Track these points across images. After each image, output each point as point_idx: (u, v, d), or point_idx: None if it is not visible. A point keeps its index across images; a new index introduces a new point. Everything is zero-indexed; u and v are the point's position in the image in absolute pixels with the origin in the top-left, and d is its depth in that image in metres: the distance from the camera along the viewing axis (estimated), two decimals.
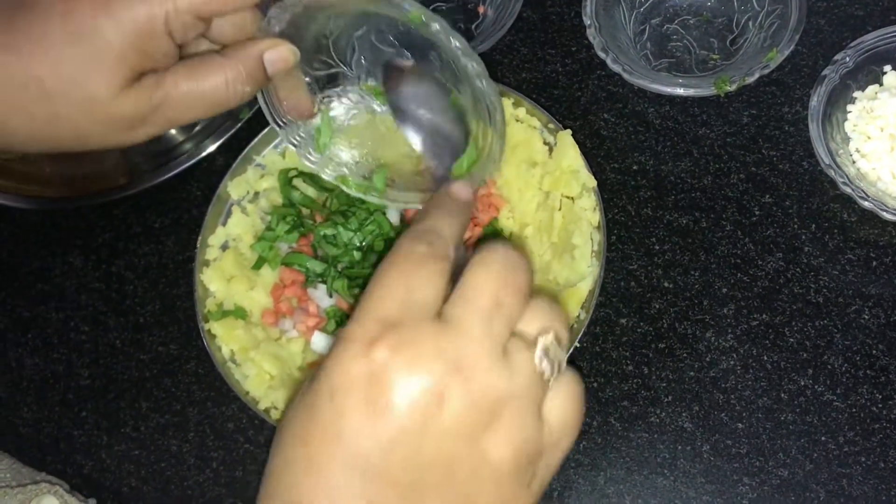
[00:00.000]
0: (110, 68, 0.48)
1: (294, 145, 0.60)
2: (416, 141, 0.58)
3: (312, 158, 0.61)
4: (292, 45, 0.53)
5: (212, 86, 0.51)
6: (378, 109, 0.62)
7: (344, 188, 0.62)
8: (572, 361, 0.62)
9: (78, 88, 0.48)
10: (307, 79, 0.58)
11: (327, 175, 0.61)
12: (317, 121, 0.61)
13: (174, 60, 0.51)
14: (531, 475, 0.38)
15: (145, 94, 0.50)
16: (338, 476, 0.35)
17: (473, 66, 0.51)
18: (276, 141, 0.69)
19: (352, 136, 0.62)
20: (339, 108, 0.62)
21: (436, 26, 0.49)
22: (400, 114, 0.59)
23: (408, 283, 0.37)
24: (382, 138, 0.63)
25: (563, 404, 0.38)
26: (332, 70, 0.59)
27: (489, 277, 0.38)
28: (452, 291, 0.38)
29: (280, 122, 0.59)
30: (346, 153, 0.62)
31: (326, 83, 0.60)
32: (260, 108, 0.56)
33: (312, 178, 0.68)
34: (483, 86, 0.52)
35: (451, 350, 0.36)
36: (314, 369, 0.38)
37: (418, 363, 0.35)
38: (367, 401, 0.35)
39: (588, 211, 0.62)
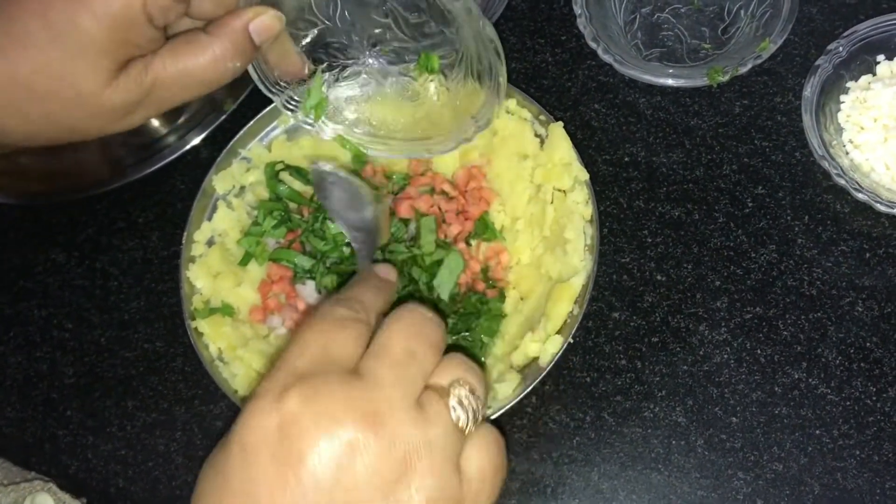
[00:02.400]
0: (95, 62, 0.48)
1: (290, 110, 0.60)
2: (346, 233, 0.61)
3: (309, 120, 0.60)
4: (276, 11, 0.53)
5: (200, 64, 0.50)
6: (370, 60, 0.62)
7: (346, 143, 0.62)
8: (551, 375, 0.62)
9: (66, 86, 0.48)
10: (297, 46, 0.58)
11: (327, 134, 0.61)
12: (309, 83, 0.60)
13: (160, 44, 0.51)
14: None
15: (134, 82, 0.49)
16: None
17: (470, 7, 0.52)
18: (262, 134, 0.68)
19: (347, 92, 0.62)
20: (330, 66, 0.62)
21: None
22: (331, 213, 0.61)
23: (325, 340, 0.38)
24: (377, 92, 0.63)
25: (480, 454, 0.38)
26: (319, 27, 0.59)
27: (401, 330, 0.39)
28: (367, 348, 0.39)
29: (272, 89, 0.58)
30: (345, 111, 0.62)
31: (314, 45, 0.60)
32: (244, 100, 0.56)
33: (299, 172, 0.67)
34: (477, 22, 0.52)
35: (362, 401, 0.36)
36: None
37: (329, 414, 0.35)
38: (278, 456, 0.35)
39: (580, 204, 0.61)
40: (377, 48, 0.62)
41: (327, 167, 0.60)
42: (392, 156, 0.65)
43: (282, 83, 0.59)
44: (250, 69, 0.56)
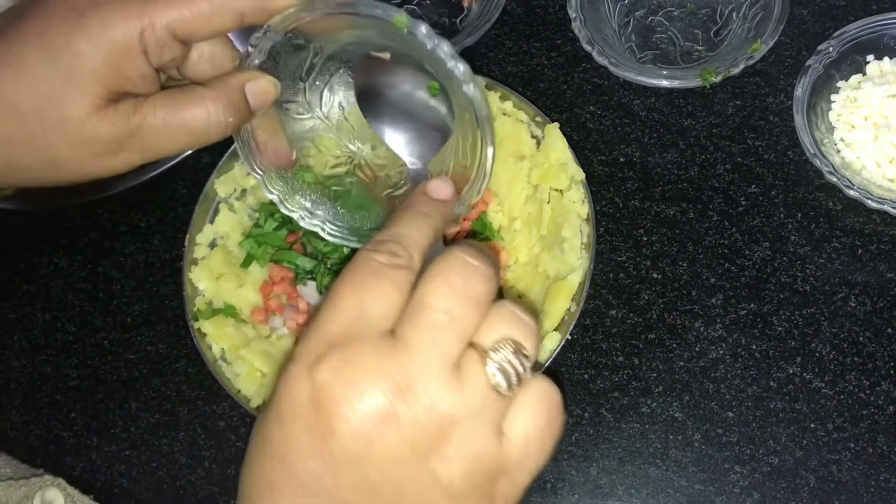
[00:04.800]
0: (85, 86, 0.47)
1: (272, 194, 0.58)
2: (389, 136, 0.57)
3: (291, 208, 0.59)
4: (272, 78, 0.52)
5: (192, 115, 0.49)
6: (355, 149, 0.61)
7: (324, 236, 0.60)
8: (551, 370, 0.62)
9: (52, 108, 0.47)
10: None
11: (306, 225, 0.59)
12: (294, 169, 0.59)
13: (153, 87, 0.50)
14: (490, 494, 0.36)
15: (122, 116, 0.48)
16: (292, 499, 0.35)
17: (460, 69, 0.49)
18: None
19: (332, 184, 0.60)
20: (317, 157, 0.60)
21: (422, 30, 0.48)
22: (371, 106, 0.57)
23: (360, 297, 0.36)
24: (363, 181, 0.61)
25: (527, 417, 0.36)
26: (308, 117, 0.58)
27: (442, 289, 0.36)
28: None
29: (258, 170, 0.57)
30: (325, 203, 0.60)
31: (303, 129, 0.59)
32: None
33: None
34: (472, 92, 0.49)
35: (394, 370, 0.34)
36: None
37: (359, 385, 0.34)
38: (312, 425, 0.34)
39: (577, 203, 0.62)
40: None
41: (386, 55, 0.54)
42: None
43: (267, 166, 0.57)
44: (238, 147, 0.55)
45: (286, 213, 0.59)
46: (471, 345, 0.36)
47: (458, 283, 0.36)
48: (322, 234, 0.59)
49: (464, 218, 0.65)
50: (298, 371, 0.35)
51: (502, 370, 0.35)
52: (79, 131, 0.48)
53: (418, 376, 0.34)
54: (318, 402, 0.34)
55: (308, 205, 0.59)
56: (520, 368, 0.36)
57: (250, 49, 0.52)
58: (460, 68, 0.47)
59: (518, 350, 0.36)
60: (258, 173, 0.57)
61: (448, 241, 0.59)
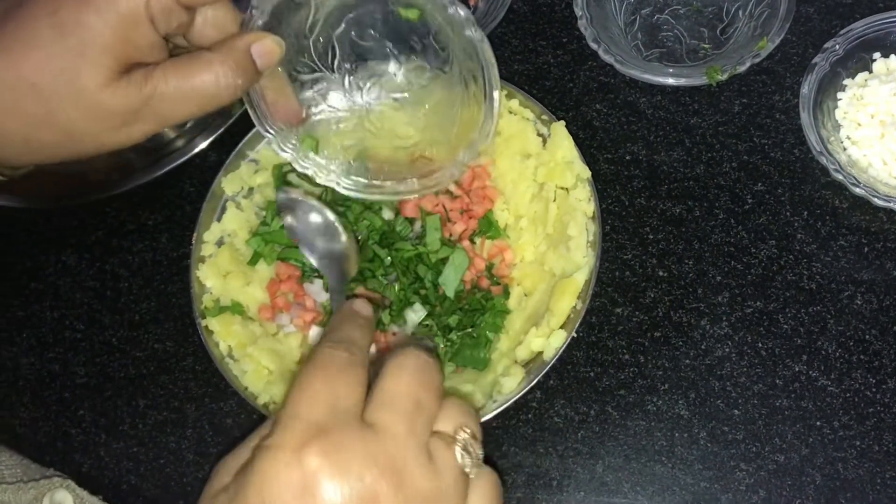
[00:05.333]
0: (97, 59, 0.48)
1: (285, 152, 0.60)
2: (313, 261, 0.62)
3: (305, 165, 0.61)
4: (277, 37, 0.53)
5: (202, 80, 0.51)
6: (363, 102, 0.62)
7: (339, 190, 0.62)
8: (556, 368, 0.63)
9: (67, 82, 0.48)
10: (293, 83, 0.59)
11: (321, 180, 0.61)
12: (305, 127, 0.61)
13: (162, 55, 0.52)
14: None
15: (134, 86, 0.50)
16: None
17: (461, 14, 0.51)
18: None
19: (343, 138, 0.62)
20: (326, 112, 0.62)
21: None
22: (299, 240, 0.63)
23: (333, 388, 0.38)
24: (372, 135, 0.63)
25: (483, 498, 0.40)
26: (316, 75, 0.60)
27: (407, 380, 0.40)
28: (370, 395, 0.39)
29: (270, 130, 0.59)
30: (338, 157, 0.62)
31: (311, 86, 0.60)
32: None
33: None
34: (474, 34, 0.51)
35: (380, 454, 0.37)
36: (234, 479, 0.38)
37: (350, 468, 0.36)
38: None
39: (582, 201, 0.63)
40: (371, 86, 0.62)
41: (297, 195, 0.61)
42: (383, 198, 0.63)
43: (279, 125, 0.59)
44: (249, 110, 0.57)
45: (300, 170, 0.61)
46: (434, 433, 0.40)
47: (418, 374, 0.40)
48: (338, 188, 0.61)
49: (470, 216, 0.65)
50: (284, 456, 0.36)
51: (467, 453, 0.39)
52: (94, 104, 0.49)
53: (401, 460, 0.37)
54: (309, 487, 0.35)
55: (322, 161, 0.61)
56: (478, 452, 0.40)
57: (252, 11, 0.53)
58: (461, 13, 0.49)
59: (473, 435, 0.40)
60: (270, 132, 0.59)
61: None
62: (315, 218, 0.61)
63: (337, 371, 0.39)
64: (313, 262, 0.62)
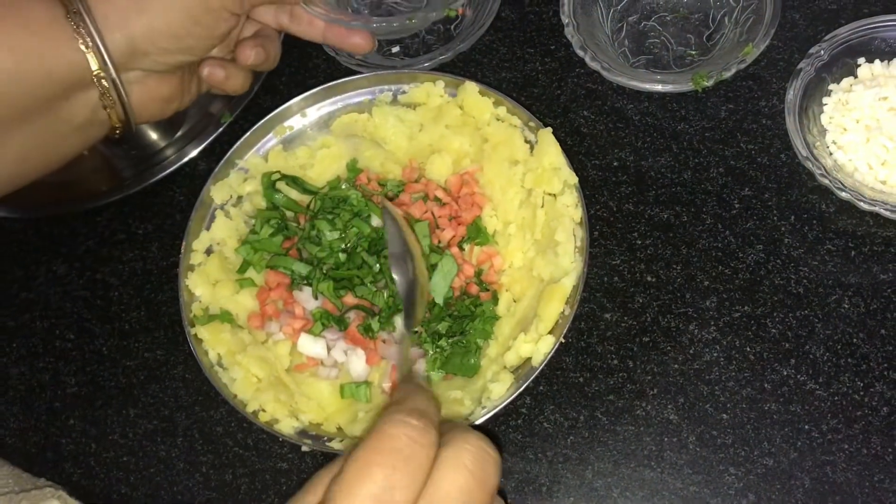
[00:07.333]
0: None
1: None
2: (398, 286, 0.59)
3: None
4: None
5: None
6: None
7: None
8: (545, 374, 0.63)
9: None
10: None
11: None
12: None
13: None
14: None
15: None
16: None
17: None
18: (258, 145, 0.70)
19: None
20: None
21: None
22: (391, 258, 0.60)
23: (388, 477, 0.36)
24: None
25: None
26: None
27: (462, 483, 0.38)
28: (426, 488, 0.37)
29: None
30: None
31: None
32: (240, 113, 0.57)
33: (295, 181, 0.68)
34: None
35: None
36: None
37: None
38: None
39: (570, 207, 0.63)
40: None
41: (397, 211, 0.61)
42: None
43: None
44: None
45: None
46: None
47: (476, 473, 0.38)
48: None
49: (458, 223, 0.66)
50: None
51: None
52: None
53: None
54: None
55: None
56: None
57: None
58: None
59: None
60: None
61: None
62: (397, 237, 0.59)
63: (399, 460, 0.37)
64: (398, 286, 0.59)
